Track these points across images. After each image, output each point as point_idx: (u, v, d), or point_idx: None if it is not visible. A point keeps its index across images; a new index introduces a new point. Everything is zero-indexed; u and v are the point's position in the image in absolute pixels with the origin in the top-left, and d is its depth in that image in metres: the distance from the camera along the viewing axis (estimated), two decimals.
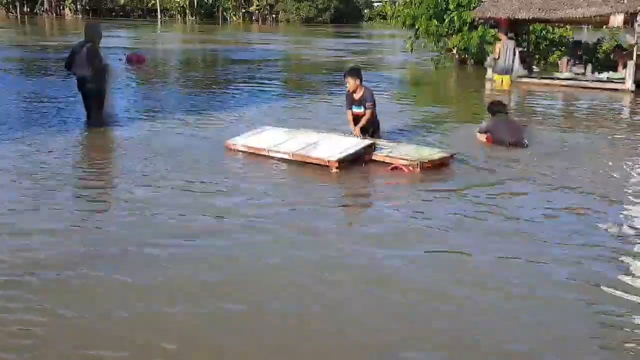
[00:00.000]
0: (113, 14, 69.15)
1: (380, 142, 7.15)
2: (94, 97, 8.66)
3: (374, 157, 6.70)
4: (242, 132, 7.75)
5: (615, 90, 13.95)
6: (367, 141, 6.90)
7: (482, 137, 7.94)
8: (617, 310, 3.60)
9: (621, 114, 11.92)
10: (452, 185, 6.12)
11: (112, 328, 3.30)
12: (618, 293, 3.80)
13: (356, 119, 7.57)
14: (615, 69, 15.34)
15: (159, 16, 69.00)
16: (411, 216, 5.18)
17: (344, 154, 6.53)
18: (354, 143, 6.82)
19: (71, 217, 4.99)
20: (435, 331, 3.36)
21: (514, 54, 15.00)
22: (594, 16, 14.62)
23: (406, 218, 5.14)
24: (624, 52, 15.40)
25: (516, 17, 15.35)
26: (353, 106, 7.59)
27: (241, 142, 7.25)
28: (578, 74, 15.76)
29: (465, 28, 17.65)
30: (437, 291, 3.80)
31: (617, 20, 13.98)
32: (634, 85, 13.81)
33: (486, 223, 5.03)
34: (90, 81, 8.50)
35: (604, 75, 15.06)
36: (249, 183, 6.02)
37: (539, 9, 15.09)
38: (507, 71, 14.78)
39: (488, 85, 14.99)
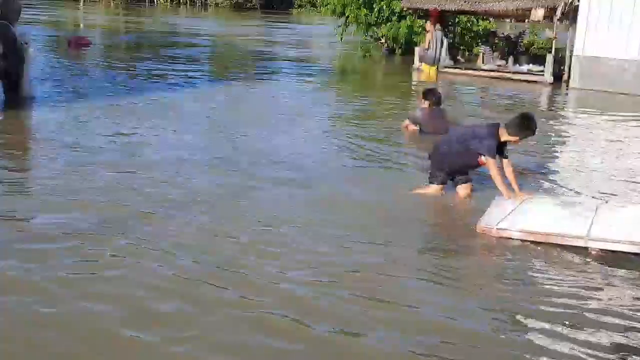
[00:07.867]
0: None
1: None
2: (5, 76, 8.29)
3: None
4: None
5: (535, 82, 14.51)
6: None
7: (411, 127, 8.08)
8: None
9: (538, 103, 12.47)
10: None
11: None
12: None
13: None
14: (535, 62, 15.94)
15: None
16: None
17: None
18: None
19: None
20: None
21: (442, 45, 15.35)
22: (516, 10, 15.20)
23: None
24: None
25: (443, 9, 15.67)
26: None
27: (516, 226, 4.62)
28: (500, 65, 16.29)
29: (394, 18, 17.87)
30: None
31: (538, 14, 14.56)
32: (552, 78, 14.40)
33: None
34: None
35: (525, 67, 15.64)
36: None
37: (465, 1, 15.46)
38: (435, 61, 15.11)
39: (415, 75, 15.25)
